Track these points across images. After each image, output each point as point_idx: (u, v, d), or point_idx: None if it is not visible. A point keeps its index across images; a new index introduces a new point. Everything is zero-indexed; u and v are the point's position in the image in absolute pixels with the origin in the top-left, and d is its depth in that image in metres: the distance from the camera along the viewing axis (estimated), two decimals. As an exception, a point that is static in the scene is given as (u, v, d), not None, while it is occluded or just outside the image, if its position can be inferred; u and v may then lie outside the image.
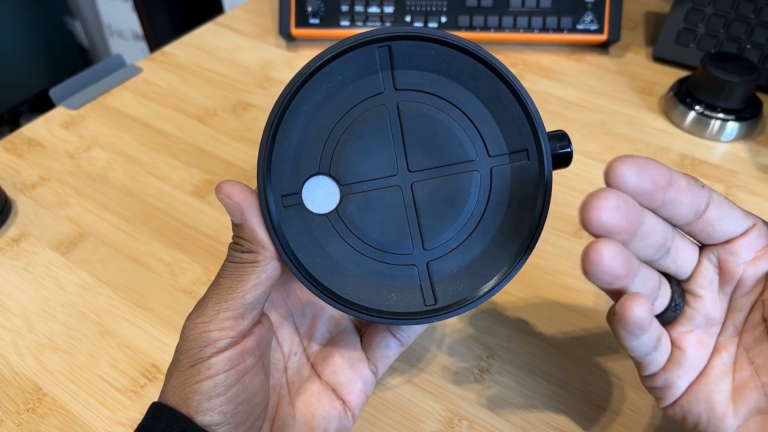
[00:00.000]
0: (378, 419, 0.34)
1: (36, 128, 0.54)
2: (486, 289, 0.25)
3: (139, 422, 0.33)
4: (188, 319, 0.25)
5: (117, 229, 0.45)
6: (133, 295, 0.40)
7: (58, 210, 0.46)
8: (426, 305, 0.25)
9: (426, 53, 0.24)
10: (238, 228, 0.25)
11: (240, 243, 0.25)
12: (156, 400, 0.25)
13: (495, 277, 0.25)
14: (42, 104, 1.51)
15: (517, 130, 0.25)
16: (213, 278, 0.40)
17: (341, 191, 0.25)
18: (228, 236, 0.44)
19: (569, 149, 0.26)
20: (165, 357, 0.37)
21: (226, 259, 0.25)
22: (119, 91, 0.59)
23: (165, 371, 0.36)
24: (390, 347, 0.30)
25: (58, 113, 0.56)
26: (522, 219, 0.25)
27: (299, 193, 0.25)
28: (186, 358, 0.24)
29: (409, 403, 0.34)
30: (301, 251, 0.25)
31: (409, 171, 0.25)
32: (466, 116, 0.25)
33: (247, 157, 0.51)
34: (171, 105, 0.57)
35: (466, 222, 0.25)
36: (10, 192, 0.47)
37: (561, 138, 0.26)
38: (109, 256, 0.43)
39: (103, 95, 0.58)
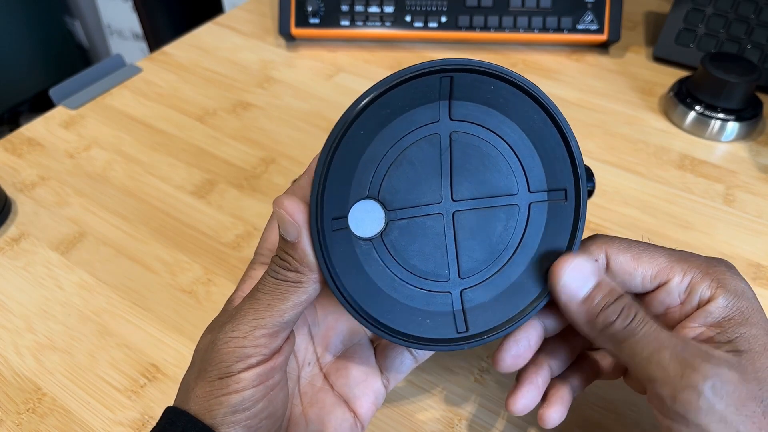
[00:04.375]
0: (378, 419, 0.34)
1: (36, 128, 0.54)
2: (515, 320, 0.26)
3: (137, 421, 0.33)
4: (222, 331, 0.24)
5: (117, 229, 0.45)
6: (133, 295, 0.40)
7: (58, 210, 0.46)
8: (458, 332, 0.26)
9: (485, 87, 0.25)
10: (288, 245, 0.24)
11: (287, 260, 0.24)
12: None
13: (524, 308, 0.26)
14: (42, 104, 1.51)
15: (559, 169, 0.26)
16: (212, 278, 0.41)
17: (386, 216, 0.25)
18: (227, 236, 0.44)
19: (593, 184, 0.28)
20: (165, 357, 0.37)
21: (267, 274, 0.25)
22: (119, 91, 0.59)
23: (165, 371, 0.36)
24: (405, 363, 0.30)
25: (58, 113, 0.56)
26: (553, 253, 0.26)
27: (346, 216, 0.25)
28: (215, 370, 0.24)
29: (409, 403, 0.34)
30: (344, 274, 0.25)
31: (453, 200, 0.25)
32: (513, 151, 0.26)
33: (247, 156, 0.51)
34: (171, 105, 0.57)
35: (501, 253, 0.26)
36: (9, 192, 0.47)
37: (589, 175, 0.27)
38: (109, 256, 0.43)
39: (102, 95, 0.58)
